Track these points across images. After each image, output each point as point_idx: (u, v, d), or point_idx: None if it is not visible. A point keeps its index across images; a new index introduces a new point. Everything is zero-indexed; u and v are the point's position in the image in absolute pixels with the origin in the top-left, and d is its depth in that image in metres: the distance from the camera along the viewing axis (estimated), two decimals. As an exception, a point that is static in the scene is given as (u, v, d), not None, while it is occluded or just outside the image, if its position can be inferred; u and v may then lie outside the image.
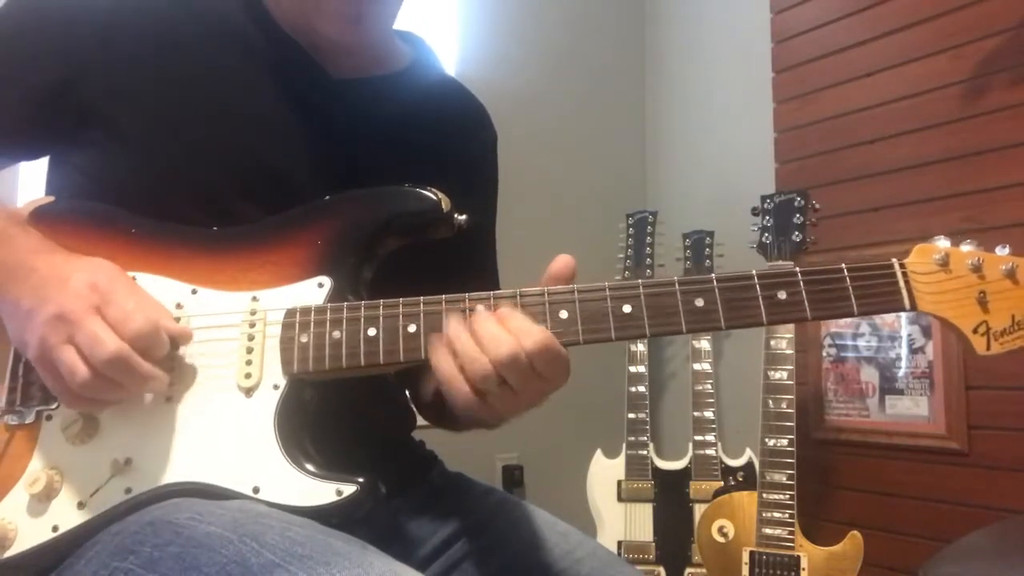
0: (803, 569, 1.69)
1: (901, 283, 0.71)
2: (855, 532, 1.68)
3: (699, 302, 0.69)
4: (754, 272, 0.70)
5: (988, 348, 0.70)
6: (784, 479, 1.72)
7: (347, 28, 0.82)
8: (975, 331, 0.70)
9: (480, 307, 0.68)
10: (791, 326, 1.78)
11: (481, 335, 0.65)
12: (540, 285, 0.70)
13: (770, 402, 1.77)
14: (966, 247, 0.72)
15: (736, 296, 0.70)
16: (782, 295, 0.70)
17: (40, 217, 0.76)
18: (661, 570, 2.01)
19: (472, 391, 0.66)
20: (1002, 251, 0.72)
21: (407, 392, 0.95)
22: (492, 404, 0.67)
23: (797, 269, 0.70)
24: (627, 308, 0.69)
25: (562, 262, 0.71)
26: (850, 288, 0.70)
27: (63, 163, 0.83)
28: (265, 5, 0.85)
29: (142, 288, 0.71)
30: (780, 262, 1.79)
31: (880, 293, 0.70)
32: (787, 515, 1.71)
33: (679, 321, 0.69)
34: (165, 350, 0.68)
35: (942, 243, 0.72)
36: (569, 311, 0.69)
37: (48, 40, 0.80)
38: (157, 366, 0.67)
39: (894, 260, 0.71)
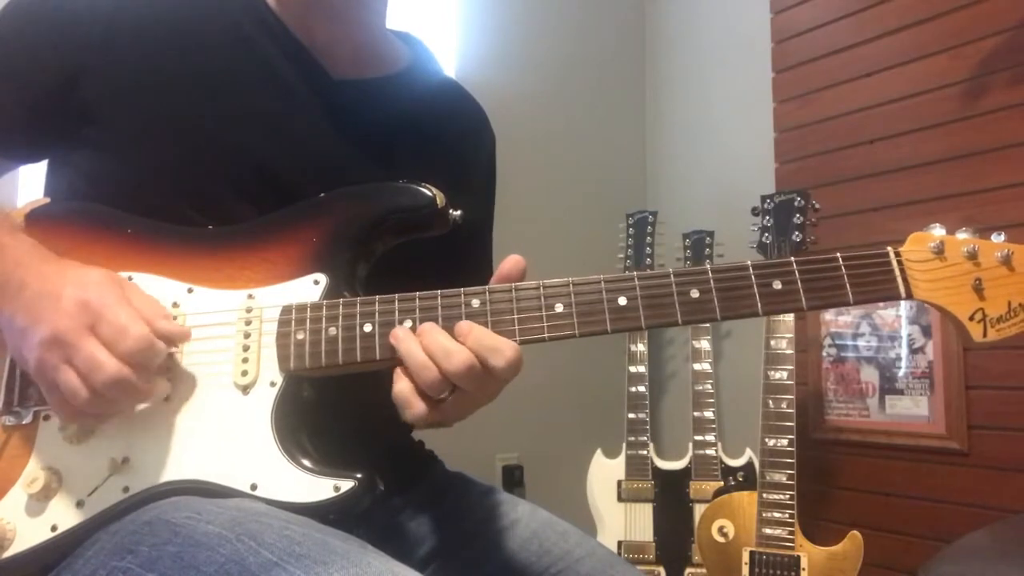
0: (803, 569, 1.69)
1: (896, 271, 0.71)
2: (855, 532, 1.67)
3: (694, 293, 0.69)
4: (749, 263, 0.70)
5: (985, 335, 0.69)
6: (784, 479, 1.72)
7: (335, 20, 0.81)
8: (971, 318, 0.70)
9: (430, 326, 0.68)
10: (791, 325, 1.78)
11: (432, 349, 0.66)
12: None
13: (770, 402, 1.77)
14: (962, 234, 0.72)
15: (731, 286, 0.69)
16: (777, 285, 0.69)
17: (36, 219, 0.76)
18: (661, 570, 2.01)
19: (426, 403, 0.67)
20: (997, 238, 0.71)
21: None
22: (444, 410, 0.68)
23: (792, 259, 0.70)
24: (622, 300, 0.69)
25: (512, 262, 0.71)
26: (845, 277, 0.70)
27: (62, 165, 0.83)
28: (268, 5, 0.85)
29: (136, 290, 0.71)
30: (780, 261, 1.79)
31: (875, 281, 0.70)
32: (787, 515, 1.71)
33: (674, 312, 0.69)
34: (162, 358, 0.67)
35: (937, 231, 0.72)
36: (564, 304, 0.69)
37: (49, 39, 0.79)
38: (155, 371, 0.67)
39: (889, 248, 0.71)
